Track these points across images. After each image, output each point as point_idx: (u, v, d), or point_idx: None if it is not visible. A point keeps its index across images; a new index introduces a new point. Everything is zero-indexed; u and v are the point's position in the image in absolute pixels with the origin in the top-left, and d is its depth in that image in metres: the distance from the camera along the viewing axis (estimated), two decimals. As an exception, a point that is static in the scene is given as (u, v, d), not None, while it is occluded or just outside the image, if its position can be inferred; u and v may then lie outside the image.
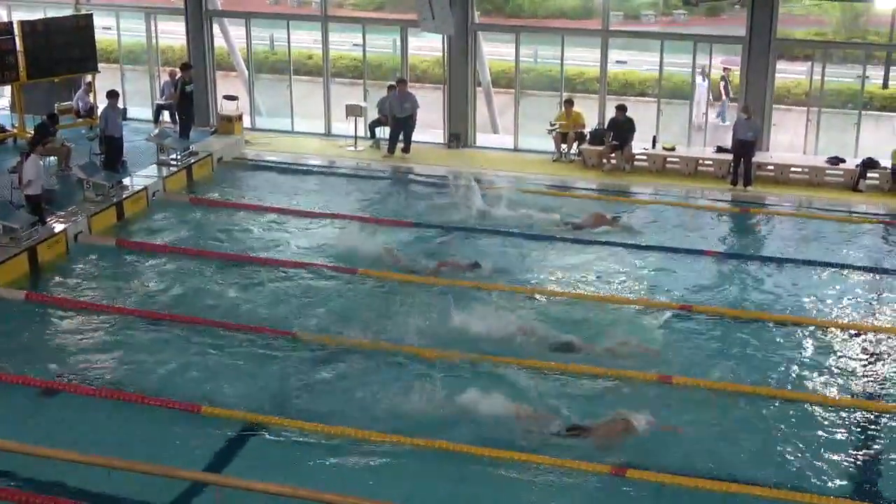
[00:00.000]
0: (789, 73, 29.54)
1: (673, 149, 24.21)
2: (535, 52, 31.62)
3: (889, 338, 15.12)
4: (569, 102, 24.70)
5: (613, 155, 23.94)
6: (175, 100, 25.29)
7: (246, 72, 28.09)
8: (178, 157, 22.83)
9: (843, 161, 23.38)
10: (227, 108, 26.28)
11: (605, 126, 24.29)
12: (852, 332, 15.33)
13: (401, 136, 24.90)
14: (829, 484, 11.32)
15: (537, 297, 16.36)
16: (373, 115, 25.56)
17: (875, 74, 31.14)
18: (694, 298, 16.37)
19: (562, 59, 25.74)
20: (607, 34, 25.21)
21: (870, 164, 22.96)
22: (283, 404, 12.76)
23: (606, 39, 25.19)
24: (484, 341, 14.32)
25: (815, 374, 13.90)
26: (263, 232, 19.37)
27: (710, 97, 27.26)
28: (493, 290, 16.39)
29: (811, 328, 15.39)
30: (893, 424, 12.67)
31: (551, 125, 24.79)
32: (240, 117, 25.86)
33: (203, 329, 14.86)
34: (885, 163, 22.75)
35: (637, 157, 24.10)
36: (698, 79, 27.04)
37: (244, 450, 11.84)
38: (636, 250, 18.65)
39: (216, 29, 27.41)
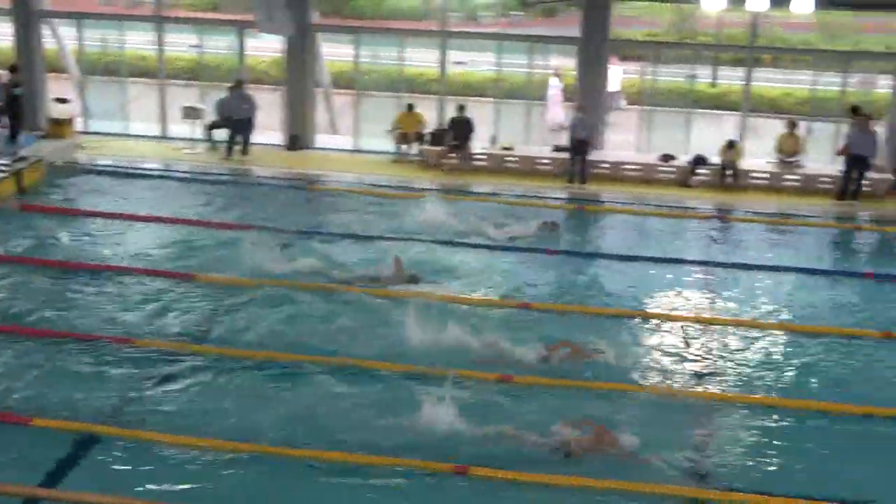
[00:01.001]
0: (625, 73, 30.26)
1: (511, 148, 24.53)
2: (374, 53, 31.56)
3: (709, 328, 15.51)
4: (409, 106, 24.78)
5: (453, 154, 24.11)
6: (2, 103, 24.39)
7: (77, 74, 27.28)
8: (7, 161, 22.01)
9: (675, 158, 24.06)
10: (58, 110, 25.49)
11: (445, 126, 24.46)
12: (674, 323, 15.63)
13: (239, 139, 24.56)
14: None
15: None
16: (210, 117, 25.14)
17: (704, 74, 32.12)
18: (533, 295, 16.52)
19: (401, 60, 25.81)
20: (446, 35, 25.40)
21: (700, 160, 23.70)
22: (119, 414, 12.39)
23: (445, 40, 25.38)
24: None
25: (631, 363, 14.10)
26: (96, 238, 18.78)
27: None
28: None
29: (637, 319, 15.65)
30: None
31: (394, 127, 24.83)
32: (71, 120, 25.12)
33: (34, 338, 14.32)
34: (715, 159, 23.51)
35: (476, 156, 24.34)
36: (553, 80, 27.59)
37: (79, 462, 11.44)
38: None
39: (46, 30, 26.55)
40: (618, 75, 29.70)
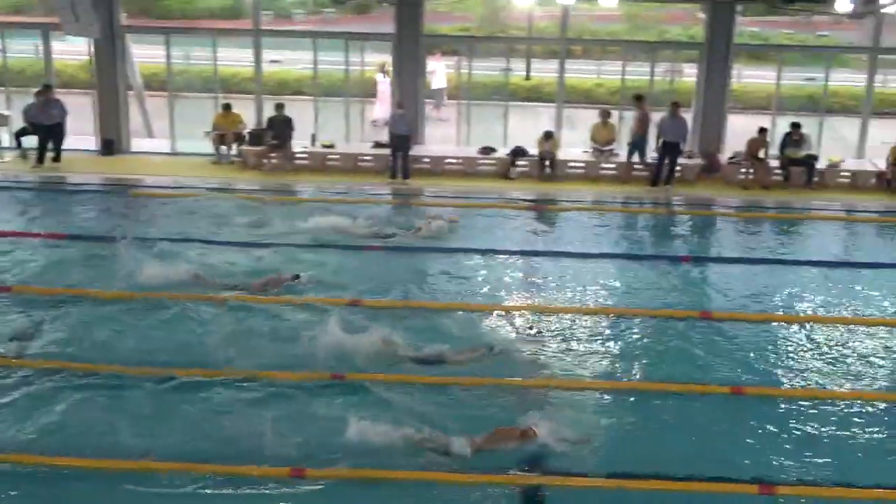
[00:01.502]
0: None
1: (332, 146, 24.43)
2: (187, 53, 31.00)
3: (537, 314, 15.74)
4: (226, 107, 24.38)
5: (274, 154, 23.85)
6: None
7: None
8: None
9: (495, 151, 24.39)
10: None
11: (264, 126, 24.18)
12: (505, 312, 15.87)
13: (50, 145, 23.68)
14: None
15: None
16: (18, 123, 24.15)
17: (518, 67, 32.70)
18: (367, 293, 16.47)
19: (215, 60, 25.39)
20: (259, 34, 25.10)
21: (519, 152, 24.09)
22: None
23: (259, 39, 25.08)
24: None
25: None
26: None
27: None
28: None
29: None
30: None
31: (212, 128, 24.39)
32: None
33: None
34: (533, 151, 23.93)
35: (297, 155, 24.14)
36: (379, 76, 27.59)
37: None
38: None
39: None
40: (442, 71, 29.91)
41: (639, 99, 23.95)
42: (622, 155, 24.19)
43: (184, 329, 14.60)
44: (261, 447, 11.38)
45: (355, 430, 11.61)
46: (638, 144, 23.74)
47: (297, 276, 16.26)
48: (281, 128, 23.77)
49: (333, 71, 26.35)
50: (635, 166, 23.88)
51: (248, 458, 11.19)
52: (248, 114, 24.93)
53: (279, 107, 23.98)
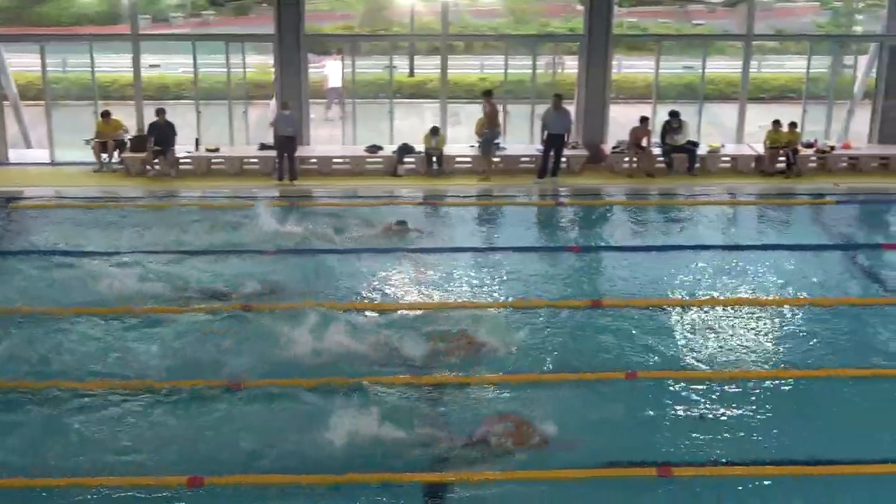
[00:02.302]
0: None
1: (217, 150, 24.13)
2: (63, 60, 30.34)
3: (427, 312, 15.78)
4: (105, 114, 23.89)
5: (157, 160, 23.46)
6: None
7: None
8: None
9: (381, 149, 24.35)
10: None
11: (146, 131, 23.76)
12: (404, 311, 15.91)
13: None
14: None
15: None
16: None
17: (402, 64, 32.71)
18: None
19: (92, 67, 24.86)
20: (137, 38, 24.63)
21: (406, 149, 24.09)
22: None
23: (137, 44, 24.60)
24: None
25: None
26: None
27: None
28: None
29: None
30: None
31: (93, 136, 23.89)
32: None
33: None
34: (420, 147, 23.96)
35: (181, 160, 23.80)
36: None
37: None
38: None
39: None
40: (338, 70, 29.73)
41: (487, 94, 24.07)
42: (509, 149, 24.37)
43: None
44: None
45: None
46: (489, 139, 23.83)
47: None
48: (163, 133, 23.39)
49: (215, 74, 26.03)
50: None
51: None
52: (128, 120, 24.47)
53: (160, 112, 23.57)
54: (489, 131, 23.74)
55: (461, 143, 24.98)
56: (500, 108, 24.86)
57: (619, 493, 11.05)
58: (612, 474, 11.26)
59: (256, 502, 10.82)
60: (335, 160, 24.24)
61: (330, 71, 30.25)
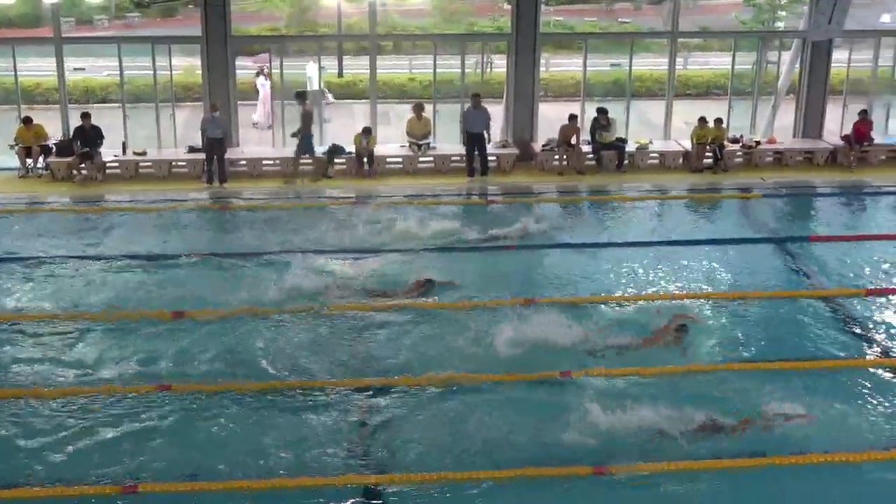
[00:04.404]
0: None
1: (144, 153, 23.85)
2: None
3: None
4: (26, 120, 23.47)
5: (83, 165, 23.12)
6: None
7: None
8: None
9: (312, 150, 24.18)
10: None
11: (71, 135, 23.40)
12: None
13: None
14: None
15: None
16: None
17: (330, 65, 32.60)
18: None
19: (15, 71, 24.45)
20: (61, 41, 24.23)
21: (336, 150, 23.98)
22: None
23: (61, 47, 24.21)
24: None
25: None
26: None
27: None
28: None
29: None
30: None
31: (15, 142, 23.47)
32: None
33: None
34: (351, 148, 23.87)
35: (108, 164, 23.48)
36: (260, 78, 27.20)
37: None
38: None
39: None
40: (315, 71, 29.54)
41: (301, 96, 23.95)
42: (438, 148, 24.41)
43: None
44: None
45: None
46: (306, 139, 23.55)
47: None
48: (89, 137, 23.06)
49: (141, 77, 25.72)
50: (301, 162, 23.79)
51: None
52: (53, 124, 24.10)
53: (85, 116, 23.23)
54: (302, 133, 23.48)
55: (392, 143, 24.93)
56: (432, 108, 24.89)
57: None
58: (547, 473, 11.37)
59: None
60: (265, 162, 24.07)
61: (309, 73, 29.96)
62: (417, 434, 12.37)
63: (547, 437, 12.10)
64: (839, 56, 26.01)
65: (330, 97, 30.83)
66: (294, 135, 23.54)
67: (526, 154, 24.62)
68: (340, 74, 33.79)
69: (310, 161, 23.62)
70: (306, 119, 23.48)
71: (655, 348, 14.33)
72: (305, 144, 23.47)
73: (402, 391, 13.37)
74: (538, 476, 11.40)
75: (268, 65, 27.35)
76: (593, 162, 24.35)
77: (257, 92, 28.97)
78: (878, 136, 25.36)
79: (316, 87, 29.44)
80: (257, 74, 29.25)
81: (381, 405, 13.08)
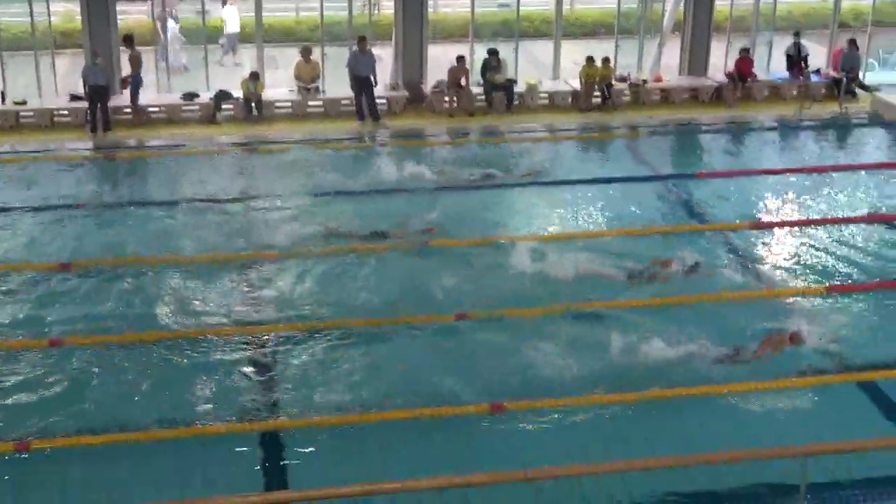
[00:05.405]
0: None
1: (24, 102, 23.17)
2: None
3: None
4: None
5: (-40, 116, 22.44)
6: None
7: None
8: None
9: (198, 96, 23.81)
10: None
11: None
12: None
13: None
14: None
15: None
16: None
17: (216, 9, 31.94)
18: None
19: None
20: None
21: (224, 95, 23.60)
22: None
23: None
24: None
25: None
26: None
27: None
28: None
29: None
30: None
31: None
32: None
33: None
34: (238, 93, 23.50)
35: (-13, 115, 22.82)
36: (170, 22, 26.37)
37: None
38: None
39: None
40: (235, 16, 28.77)
41: (127, 40, 23.47)
42: (328, 92, 24.18)
43: None
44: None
45: None
46: (134, 82, 23.17)
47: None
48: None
49: (18, 23, 24.93)
50: (148, 108, 23.58)
51: None
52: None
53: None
54: (133, 76, 23.12)
55: (281, 87, 24.62)
56: (319, 51, 24.62)
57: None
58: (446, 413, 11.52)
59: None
60: (150, 109, 23.58)
61: (227, 16, 29.29)
62: (311, 379, 12.44)
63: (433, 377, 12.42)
64: (722, -6, 26.42)
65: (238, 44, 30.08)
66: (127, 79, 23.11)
67: (416, 96, 24.54)
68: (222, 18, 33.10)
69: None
70: (135, 61, 23.01)
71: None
72: (134, 87, 23.05)
73: (298, 336, 13.40)
74: (435, 415, 11.56)
75: (175, 7, 26.74)
76: (483, 103, 24.38)
77: (159, 36, 28.19)
78: (761, 73, 25.87)
79: (232, 31, 28.94)
80: (158, 17, 28.39)
81: (274, 351, 13.10)
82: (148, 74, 23.65)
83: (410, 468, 10.25)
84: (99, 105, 22.34)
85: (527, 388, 12.06)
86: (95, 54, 22.50)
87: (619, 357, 12.61)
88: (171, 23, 27.89)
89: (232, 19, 28.96)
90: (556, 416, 11.60)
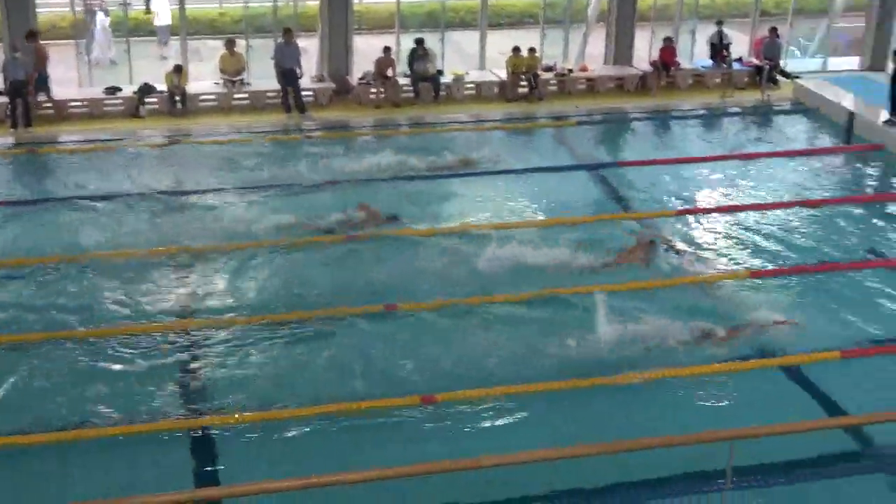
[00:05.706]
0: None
1: (-58, 97, 22.73)
2: None
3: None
4: None
5: None
6: None
7: None
8: None
9: (121, 90, 23.48)
10: None
11: None
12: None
13: None
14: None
15: None
16: None
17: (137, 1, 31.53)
18: None
19: None
20: None
21: (147, 89, 23.30)
22: None
23: None
24: None
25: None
26: None
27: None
28: None
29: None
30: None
31: None
32: None
33: None
34: (162, 87, 23.22)
35: None
36: (99, 14, 25.82)
37: None
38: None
39: None
40: (167, 8, 28.26)
41: (31, 35, 22.91)
42: (254, 84, 24.00)
43: None
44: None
45: None
46: (40, 78, 22.77)
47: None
48: None
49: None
50: (44, 105, 23.12)
51: None
52: None
53: None
54: (38, 72, 22.68)
55: (205, 80, 24.38)
56: (244, 43, 24.42)
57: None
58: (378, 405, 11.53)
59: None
60: (72, 104, 23.22)
61: (158, 8, 28.77)
62: (242, 373, 12.37)
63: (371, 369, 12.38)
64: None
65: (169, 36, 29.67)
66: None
67: (343, 88, 24.44)
68: (148, 10, 32.67)
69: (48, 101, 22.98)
70: (41, 57, 22.67)
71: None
72: (40, 83, 22.71)
73: (228, 332, 13.34)
74: (367, 408, 11.57)
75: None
76: (411, 94, 24.36)
77: (86, 29, 27.71)
78: (684, 61, 26.16)
79: (164, 23, 28.54)
80: (86, 11, 27.85)
81: (202, 346, 13.02)
82: (69, 70, 23.26)
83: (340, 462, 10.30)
84: (19, 100, 21.94)
85: (457, 380, 12.11)
86: (14, 48, 22.09)
87: (546, 346, 12.75)
88: (100, 16, 27.46)
89: (163, 11, 28.57)
90: (486, 405, 11.67)
